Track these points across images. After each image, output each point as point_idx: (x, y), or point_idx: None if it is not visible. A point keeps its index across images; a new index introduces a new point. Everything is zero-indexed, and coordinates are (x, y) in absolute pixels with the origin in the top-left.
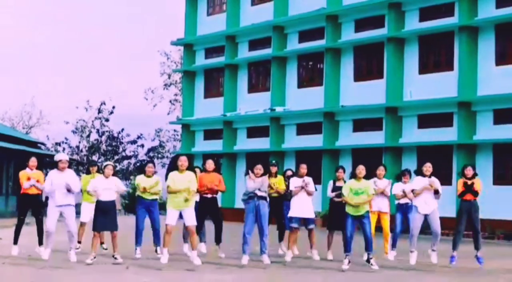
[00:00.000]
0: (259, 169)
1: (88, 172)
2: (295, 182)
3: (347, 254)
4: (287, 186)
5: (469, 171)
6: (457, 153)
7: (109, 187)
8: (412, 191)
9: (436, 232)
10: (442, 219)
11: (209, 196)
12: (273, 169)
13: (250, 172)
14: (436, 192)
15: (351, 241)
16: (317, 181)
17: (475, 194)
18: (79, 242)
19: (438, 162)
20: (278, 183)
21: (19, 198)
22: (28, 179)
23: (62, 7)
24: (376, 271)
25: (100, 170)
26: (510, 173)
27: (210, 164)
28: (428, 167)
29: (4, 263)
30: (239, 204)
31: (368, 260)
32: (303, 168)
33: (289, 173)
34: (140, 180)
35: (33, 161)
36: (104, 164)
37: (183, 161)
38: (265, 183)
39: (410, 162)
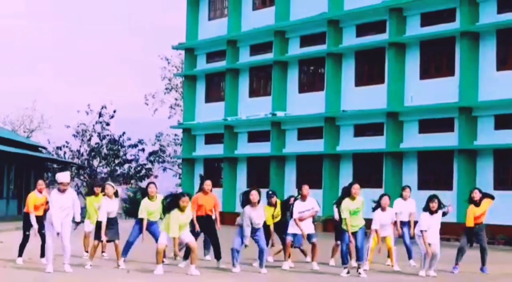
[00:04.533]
0: (254, 195)
1: (92, 193)
2: (299, 207)
3: (345, 266)
4: (288, 211)
5: (475, 194)
6: (458, 158)
7: (113, 209)
8: (420, 230)
9: (436, 255)
10: (443, 224)
11: (204, 215)
12: (273, 200)
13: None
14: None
15: (348, 253)
16: (317, 185)
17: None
18: (87, 252)
19: (439, 167)
20: (279, 213)
21: (25, 216)
22: (36, 208)
23: (64, 9)
24: (378, 275)
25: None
26: (511, 178)
27: (208, 185)
28: (435, 203)
29: (5, 267)
30: (239, 208)
31: (357, 270)
32: (306, 189)
33: (292, 200)
34: (146, 205)
35: (40, 184)
36: (105, 184)
37: (185, 202)
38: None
39: (411, 168)
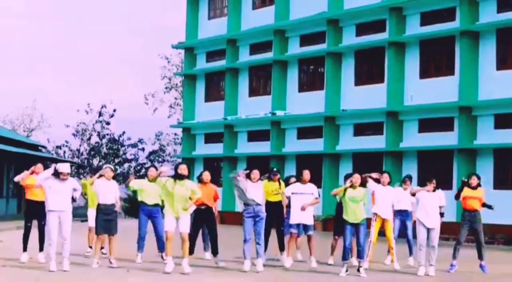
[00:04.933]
0: (255, 174)
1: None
2: (295, 187)
3: (345, 262)
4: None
5: (473, 180)
6: (458, 158)
7: (110, 190)
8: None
9: (434, 247)
10: (442, 223)
11: (204, 207)
12: (276, 178)
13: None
14: (441, 215)
15: (350, 249)
16: (317, 185)
17: (488, 206)
18: (90, 247)
19: (439, 166)
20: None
21: (26, 205)
22: (28, 188)
23: (63, 8)
24: (377, 274)
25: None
26: (511, 177)
27: (207, 176)
28: (432, 183)
29: (5, 266)
30: (239, 208)
31: (358, 269)
32: (307, 174)
33: (292, 180)
34: (141, 181)
35: (39, 168)
36: (104, 166)
37: (182, 170)
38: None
39: (411, 167)
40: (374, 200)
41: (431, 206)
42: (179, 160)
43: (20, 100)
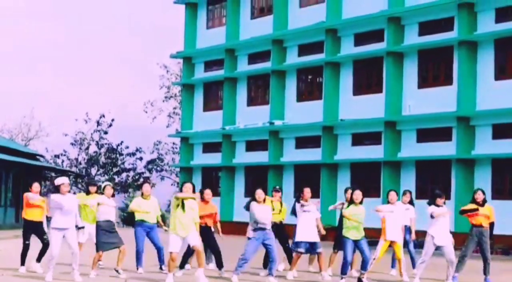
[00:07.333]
0: (260, 193)
1: (87, 192)
2: (299, 207)
3: (343, 276)
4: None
5: (479, 195)
6: (456, 168)
7: (112, 211)
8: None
9: (452, 261)
10: None
11: (203, 225)
12: (277, 194)
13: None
14: None
15: (349, 265)
16: (315, 195)
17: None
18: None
19: (437, 176)
20: (283, 210)
21: (24, 223)
22: (29, 206)
23: (63, 8)
24: None
25: (99, 190)
26: (509, 187)
27: (208, 195)
28: (442, 200)
29: (3, 275)
30: (237, 217)
31: (360, 280)
32: (308, 192)
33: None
34: (138, 202)
35: (36, 187)
36: (104, 184)
37: (187, 188)
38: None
39: (409, 177)
40: (385, 222)
41: (445, 223)
42: (177, 170)
43: (18, 109)
